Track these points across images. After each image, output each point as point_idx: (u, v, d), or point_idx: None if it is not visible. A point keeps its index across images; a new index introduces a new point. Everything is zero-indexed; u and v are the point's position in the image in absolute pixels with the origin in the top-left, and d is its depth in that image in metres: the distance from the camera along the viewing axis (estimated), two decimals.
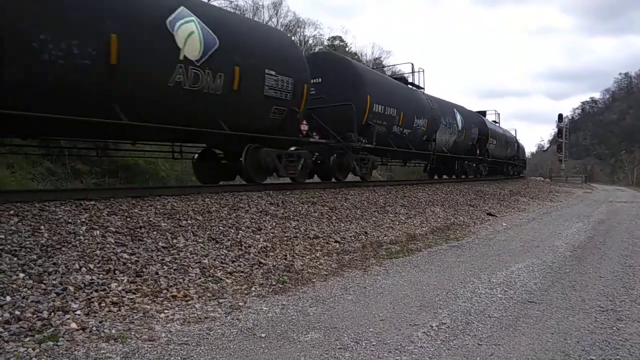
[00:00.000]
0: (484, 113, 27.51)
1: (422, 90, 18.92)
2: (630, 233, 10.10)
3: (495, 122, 29.45)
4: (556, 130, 51.82)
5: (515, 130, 37.98)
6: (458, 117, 21.14)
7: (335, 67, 13.39)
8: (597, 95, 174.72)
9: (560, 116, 50.42)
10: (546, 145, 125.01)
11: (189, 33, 7.70)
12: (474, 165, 24.39)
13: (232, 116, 8.92)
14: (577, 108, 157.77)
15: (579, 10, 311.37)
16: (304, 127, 11.26)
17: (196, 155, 10.68)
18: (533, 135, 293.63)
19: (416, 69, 19.18)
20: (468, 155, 23.12)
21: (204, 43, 7.97)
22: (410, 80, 18.48)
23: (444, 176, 23.39)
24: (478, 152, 24.35)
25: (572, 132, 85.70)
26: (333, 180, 13.48)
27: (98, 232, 5.41)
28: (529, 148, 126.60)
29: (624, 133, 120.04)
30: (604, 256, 7.38)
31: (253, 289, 5.09)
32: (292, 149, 11.30)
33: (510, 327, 4.10)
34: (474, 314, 4.41)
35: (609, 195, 27.82)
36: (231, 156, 10.29)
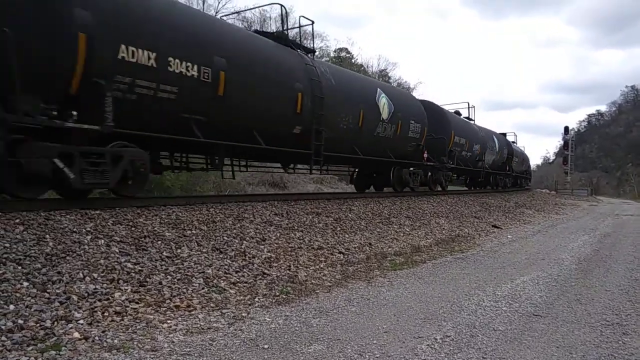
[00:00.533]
0: (504, 134, 29.27)
1: (474, 121, 23.29)
2: (636, 246, 10.02)
3: (514, 142, 31.60)
4: (562, 142, 51.62)
5: (515, 135, 35.76)
6: (495, 141, 25.12)
7: (434, 113, 17.56)
8: (603, 108, 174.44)
9: (566, 128, 50.26)
10: (552, 158, 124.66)
11: (383, 103, 13.18)
12: (504, 179, 28.47)
13: (395, 150, 14.20)
14: (583, 120, 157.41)
15: (585, 22, 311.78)
16: (425, 155, 15.98)
17: (355, 174, 15.84)
18: (539, 148, 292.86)
19: (469, 105, 22.17)
20: (500, 171, 27.50)
21: (389, 108, 13.30)
22: (465, 114, 21.77)
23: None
24: (507, 168, 28.68)
25: (578, 145, 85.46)
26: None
27: (103, 241, 5.42)
28: (535, 160, 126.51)
29: (630, 146, 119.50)
30: (610, 269, 7.32)
31: (256, 299, 5.08)
32: (411, 169, 15.73)
33: (515, 340, 4.06)
34: (479, 327, 4.38)
35: (614, 208, 27.66)
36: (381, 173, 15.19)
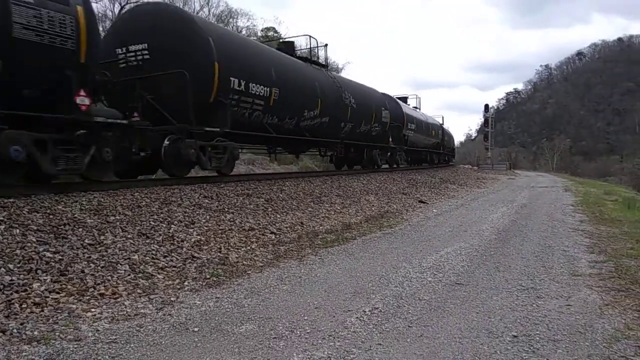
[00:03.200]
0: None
1: (419, 109, 27.26)
2: (550, 216, 10.75)
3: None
4: (483, 119, 54.02)
5: (443, 118, 38.40)
6: (434, 125, 28.05)
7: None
8: (520, 86, 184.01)
9: (486, 106, 52.68)
10: (474, 135, 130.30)
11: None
12: (437, 156, 30.53)
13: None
14: (502, 98, 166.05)
15: (502, 3, 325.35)
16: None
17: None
18: (462, 125, 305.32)
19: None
20: (436, 150, 29.66)
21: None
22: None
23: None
24: (441, 147, 30.91)
25: (497, 122, 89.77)
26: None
27: (18, 230, 5.10)
28: (459, 137, 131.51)
29: (545, 122, 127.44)
30: (525, 238, 7.81)
31: (186, 283, 5.00)
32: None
33: (439, 308, 4.27)
34: (405, 298, 4.55)
35: (531, 181, 29.42)
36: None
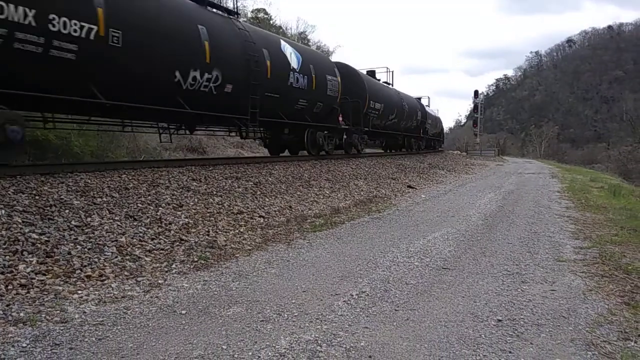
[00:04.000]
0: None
1: (391, 85, 23.22)
2: (536, 202, 10.85)
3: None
4: (472, 105, 54.10)
5: (429, 99, 33.21)
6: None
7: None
8: (510, 73, 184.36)
9: (476, 92, 52.58)
10: (463, 121, 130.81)
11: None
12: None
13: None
14: (492, 85, 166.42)
15: None
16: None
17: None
18: (451, 111, 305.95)
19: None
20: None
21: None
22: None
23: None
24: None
25: (487, 108, 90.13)
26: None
27: (3, 211, 5.04)
28: (448, 123, 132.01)
29: (533, 109, 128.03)
30: (512, 224, 7.89)
31: (174, 266, 4.99)
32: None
33: (426, 292, 4.30)
34: (392, 282, 4.58)
35: (518, 167, 29.64)
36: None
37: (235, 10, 12.22)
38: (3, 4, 5.96)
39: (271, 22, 42.75)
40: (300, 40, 37.51)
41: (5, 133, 6.43)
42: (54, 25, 6.58)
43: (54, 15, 6.56)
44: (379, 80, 21.92)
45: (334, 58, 29.07)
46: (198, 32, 9.42)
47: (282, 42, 12.97)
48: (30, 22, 6.31)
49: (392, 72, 23.60)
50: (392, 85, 23.63)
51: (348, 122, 16.78)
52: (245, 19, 37.19)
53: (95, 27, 7.17)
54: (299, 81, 13.08)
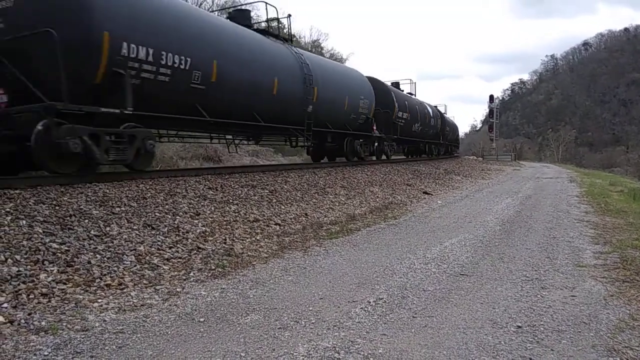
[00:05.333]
0: (397, 84, 23.77)
1: (414, 95, 25.10)
2: (555, 207, 10.73)
3: (411, 94, 25.81)
4: (488, 110, 53.71)
5: (445, 107, 34.50)
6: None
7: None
8: (525, 77, 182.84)
9: (491, 97, 52.19)
10: (479, 126, 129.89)
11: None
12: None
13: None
14: (507, 89, 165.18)
15: None
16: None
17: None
18: (466, 116, 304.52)
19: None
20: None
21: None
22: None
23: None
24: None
25: (502, 113, 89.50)
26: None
27: (24, 221, 5.14)
28: (463, 128, 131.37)
29: (550, 113, 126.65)
30: (530, 229, 7.81)
31: (192, 274, 5.02)
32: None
33: (443, 299, 4.28)
34: (410, 289, 4.57)
35: (536, 172, 29.32)
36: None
37: (290, 37, 14.09)
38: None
39: (285, 30, 42.97)
40: (314, 49, 37.67)
41: (146, 146, 8.11)
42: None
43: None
44: (402, 90, 23.69)
45: (347, 65, 29.22)
46: (272, 62, 11.79)
47: (326, 61, 16.22)
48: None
49: (415, 83, 25.98)
50: (415, 96, 25.68)
51: (380, 131, 18.49)
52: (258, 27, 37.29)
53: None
54: (344, 94, 15.07)
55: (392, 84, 22.51)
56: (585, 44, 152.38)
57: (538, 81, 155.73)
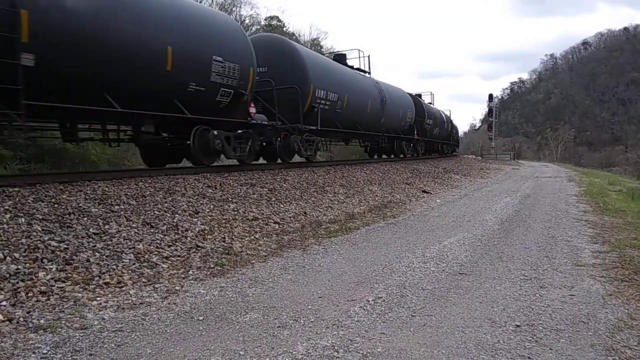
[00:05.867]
0: (420, 95, 28.40)
1: (432, 104, 29.93)
2: (553, 206, 10.73)
3: (430, 103, 30.53)
4: (487, 109, 53.76)
5: (450, 112, 39.18)
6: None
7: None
8: (525, 76, 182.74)
9: (490, 96, 52.35)
10: (478, 125, 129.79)
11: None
12: (447, 147, 33.49)
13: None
14: (507, 88, 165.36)
15: None
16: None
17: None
18: (466, 115, 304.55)
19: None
20: (445, 141, 32.44)
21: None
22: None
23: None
24: (450, 139, 33.94)
25: (501, 112, 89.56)
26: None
27: (23, 219, 5.14)
28: (462, 127, 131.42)
29: (549, 112, 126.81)
30: (529, 228, 7.81)
31: (190, 272, 5.02)
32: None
33: (442, 298, 4.28)
34: (409, 287, 4.57)
35: (535, 171, 29.34)
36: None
37: (369, 70, 19.63)
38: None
39: (284, 29, 43.00)
40: (314, 47, 37.63)
41: (317, 146, 13.95)
42: None
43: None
44: (424, 100, 28.73)
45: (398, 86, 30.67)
46: (367, 90, 18.08)
47: (392, 86, 21.35)
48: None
49: (434, 94, 32.07)
50: (433, 104, 31.29)
51: (417, 134, 24.36)
52: (258, 27, 37.51)
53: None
54: (399, 109, 21.22)
55: (416, 94, 27.07)
56: (585, 43, 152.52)
57: (537, 80, 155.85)
